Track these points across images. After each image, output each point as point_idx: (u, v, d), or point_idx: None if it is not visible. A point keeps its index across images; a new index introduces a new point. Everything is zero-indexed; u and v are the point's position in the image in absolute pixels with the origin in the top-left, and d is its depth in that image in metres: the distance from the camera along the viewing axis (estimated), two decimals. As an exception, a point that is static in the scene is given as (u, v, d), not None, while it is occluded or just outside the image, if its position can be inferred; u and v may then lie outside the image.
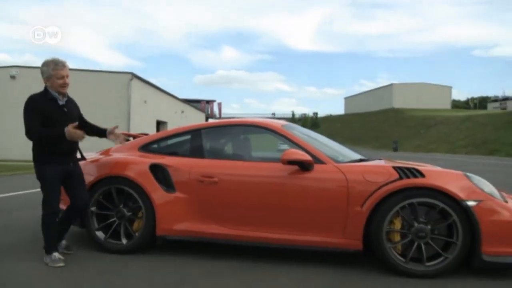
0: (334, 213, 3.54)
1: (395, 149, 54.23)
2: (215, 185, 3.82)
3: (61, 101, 3.68)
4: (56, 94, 3.65)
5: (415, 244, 3.39)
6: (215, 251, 4.02)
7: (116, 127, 4.09)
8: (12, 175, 12.96)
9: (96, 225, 4.07)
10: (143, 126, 25.24)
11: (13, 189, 9.28)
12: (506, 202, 3.49)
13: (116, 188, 4.01)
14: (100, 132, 4.02)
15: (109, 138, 3.99)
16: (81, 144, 4.52)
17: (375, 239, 3.43)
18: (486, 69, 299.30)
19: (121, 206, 4.01)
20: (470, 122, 58.29)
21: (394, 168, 3.54)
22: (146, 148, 4.34)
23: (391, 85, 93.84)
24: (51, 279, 3.28)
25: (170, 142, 4.44)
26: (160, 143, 4.40)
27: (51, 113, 3.57)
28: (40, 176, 3.64)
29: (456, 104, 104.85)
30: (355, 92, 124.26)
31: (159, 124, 31.18)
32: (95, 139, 4.11)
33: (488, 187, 3.52)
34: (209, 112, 75.54)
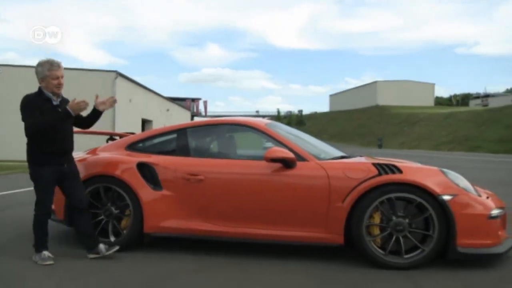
0: (316, 208, 3.67)
1: (380, 146, 54.83)
2: (201, 183, 3.92)
3: (55, 101, 3.71)
4: (50, 95, 3.68)
5: (394, 237, 3.54)
6: (201, 247, 4.12)
7: (97, 97, 3.94)
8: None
9: (84, 223, 4.13)
10: (128, 124, 25.13)
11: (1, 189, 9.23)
12: (480, 196, 3.66)
13: (104, 186, 4.08)
14: (93, 115, 3.93)
15: (100, 109, 3.88)
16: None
17: (355, 233, 3.57)
18: (468, 66, 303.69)
19: (109, 204, 4.08)
20: (452, 119, 59.21)
21: (374, 164, 3.68)
22: (133, 147, 4.41)
23: (375, 82, 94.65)
24: (41, 277, 3.34)
25: (156, 141, 4.52)
26: (147, 142, 4.48)
27: (45, 113, 3.59)
28: (34, 177, 3.68)
29: (440, 101, 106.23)
30: (340, 90, 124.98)
31: (145, 123, 31.08)
32: (82, 140, 4.16)
33: (463, 182, 3.68)
34: (195, 110, 75.34)
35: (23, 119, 3.61)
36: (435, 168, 3.78)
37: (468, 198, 3.53)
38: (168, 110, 38.15)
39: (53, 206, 4.33)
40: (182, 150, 4.25)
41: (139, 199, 3.95)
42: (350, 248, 3.70)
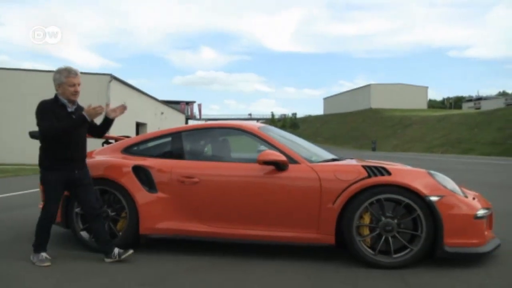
0: (308, 210, 3.77)
1: (374, 149, 55.12)
2: (195, 185, 4.01)
3: (70, 108, 3.77)
4: (65, 102, 3.74)
5: (383, 237, 3.64)
6: (196, 248, 4.21)
7: (108, 105, 4.07)
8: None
9: (80, 226, 4.21)
10: (123, 128, 25.12)
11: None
12: (466, 197, 3.78)
13: (100, 189, 4.16)
14: (105, 123, 4.01)
15: (111, 116, 3.97)
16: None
17: (346, 234, 3.67)
18: (461, 69, 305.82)
19: (105, 206, 4.16)
20: (445, 122, 59.64)
21: (363, 167, 3.78)
22: (128, 150, 4.50)
23: (369, 85, 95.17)
24: (39, 278, 3.40)
25: (152, 144, 4.61)
26: (142, 146, 4.57)
27: (59, 120, 3.64)
28: (43, 181, 3.75)
29: (433, 104, 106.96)
30: (334, 93, 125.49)
31: (139, 126, 31.06)
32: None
33: (450, 184, 3.80)
34: (189, 113, 75.34)
35: (38, 124, 3.67)
36: (423, 170, 3.89)
37: (455, 199, 3.65)
38: (162, 113, 38.16)
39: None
40: (177, 153, 4.34)
41: (135, 201, 4.03)
42: (341, 248, 3.80)
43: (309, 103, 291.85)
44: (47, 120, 3.62)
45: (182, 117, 52.50)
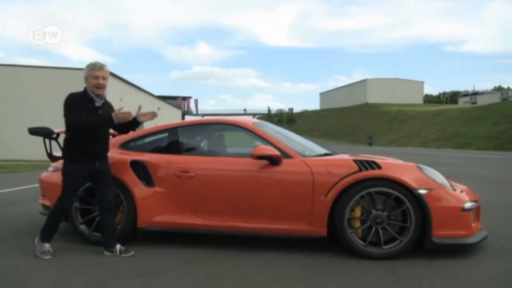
0: (301, 203, 3.88)
1: (370, 144, 55.22)
2: (191, 180, 4.12)
3: (98, 103, 3.84)
4: (93, 96, 3.82)
5: (374, 229, 3.76)
6: (193, 241, 4.32)
7: (140, 108, 4.12)
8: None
9: (79, 219, 4.31)
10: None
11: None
12: (454, 190, 3.90)
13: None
14: (133, 123, 4.05)
15: (141, 120, 4.03)
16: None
17: (338, 226, 3.79)
18: (457, 64, 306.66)
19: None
20: (441, 117, 59.82)
21: (355, 161, 3.89)
22: (126, 145, 4.59)
23: (365, 80, 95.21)
24: (38, 271, 3.49)
25: (149, 139, 4.70)
26: (140, 141, 4.66)
27: (86, 113, 3.73)
28: (63, 172, 3.84)
29: (429, 99, 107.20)
30: (330, 88, 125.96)
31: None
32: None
33: (439, 177, 3.92)
34: (186, 108, 75.23)
35: (65, 116, 3.73)
36: (413, 164, 4.01)
37: (443, 192, 3.76)
38: (159, 108, 38.11)
39: (49, 203, 4.52)
40: (174, 148, 4.45)
41: (133, 195, 4.13)
42: (333, 240, 3.92)
43: (305, 98, 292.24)
44: (75, 113, 3.69)
45: (178, 113, 52.49)
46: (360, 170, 3.79)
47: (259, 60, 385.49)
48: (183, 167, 4.17)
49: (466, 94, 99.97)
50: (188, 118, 58.87)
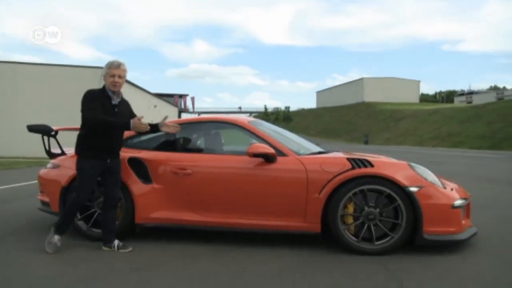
0: (295, 200, 3.97)
1: (366, 142, 55.44)
2: (188, 177, 4.20)
3: (114, 101, 3.92)
4: (111, 93, 3.90)
5: (366, 225, 3.86)
6: (189, 237, 4.40)
7: (166, 118, 4.18)
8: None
9: (78, 216, 4.37)
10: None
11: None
12: (445, 188, 4.00)
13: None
14: (154, 128, 4.06)
15: (162, 130, 4.09)
16: (62, 140, 4.83)
17: (331, 222, 3.88)
18: (453, 64, 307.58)
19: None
20: (437, 116, 60.09)
21: (348, 159, 3.99)
22: (124, 143, 4.64)
23: (361, 79, 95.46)
24: (38, 266, 3.57)
25: (146, 137, 4.76)
26: (137, 138, 4.72)
27: (103, 110, 3.80)
28: (78, 168, 3.90)
29: (425, 98, 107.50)
30: (327, 86, 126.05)
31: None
32: (75, 136, 4.36)
33: (430, 175, 4.02)
34: (183, 106, 75.18)
35: (82, 112, 3.79)
36: (404, 162, 4.11)
37: (433, 190, 3.86)
38: (155, 106, 38.16)
39: (47, 199, 4.60)
40: (171, 146, 4.52)
41: (131, 192, 4.21)
42: (326, 236, 4.01)
43: (302, 96, 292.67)
44: (93, 109, 3.76)
45: (175, 110, 52.47)
46: (353, 168, 3.89)
47: (256, 58, 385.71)
48: (180, 164, 4.25)
49: (462, 94, 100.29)
50: (184, 116, 58.84)
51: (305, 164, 4.01)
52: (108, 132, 3.84)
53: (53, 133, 4.60)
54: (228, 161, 4.28)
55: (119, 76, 3.88)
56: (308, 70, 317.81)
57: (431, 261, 3.65)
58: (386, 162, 4.11)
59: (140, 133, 4.22)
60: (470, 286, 3.14)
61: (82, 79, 24.70)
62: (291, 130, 5.49)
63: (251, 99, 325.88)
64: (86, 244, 4.15)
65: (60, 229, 3.92)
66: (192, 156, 4.39)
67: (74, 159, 4.46)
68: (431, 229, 3.78)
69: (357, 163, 3.93)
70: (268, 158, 4.04)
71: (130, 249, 3.97)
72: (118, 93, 3.96)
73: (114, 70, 3.86)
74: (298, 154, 4.21)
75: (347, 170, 3.88)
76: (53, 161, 4.76)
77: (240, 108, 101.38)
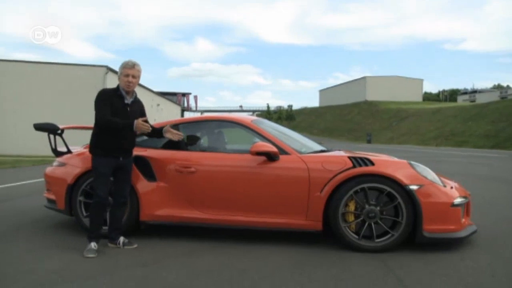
0: (297, 198, 4.04)
1: (369, 141, 55.40)
2: (192, 175, 4.27)
3: (127, 100, 3.97)
4: (124, 93, 3.95)
5: (367, 223, 3.92)
6: (194, 234, 4.48)
7: (170, 126, 4.21)
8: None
9: (84, 213, 4.46)
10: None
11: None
12: (445, 186, 4.05)
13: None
14: (158, 133, 4.15)
15: (165, 136, 4.14)
16: (68, 139, 4.91)
17: (332, 220, 3.95)
18: (456, 62, 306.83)
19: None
20: (440, 115, 59.96)
21: (349, 157, 4.05)
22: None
23: (364, 78, 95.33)
24: (43, 263, 3.64)
25: (151, 136, 4.84)
26: (142, 137, 4.79)
27: (115, 109, 3.86)
28: (94, 167, 3.94)
29: (428, 97, 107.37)
30: (329, 85, 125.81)
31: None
32: (80, 135, 4.45)
33: (430, 174, 4.07)
34: (186, 105, 75.29)
35: (95, 110, 3.85)
36: (405, 161, 4.16)
37: (433, 188, 3.91)
38: (158, 105, 38.29)
39: (53, 197, 4.67)
40: (175, 144, 4.59)
41: (136, 190, 4.28)
42: (327, 233, 4.07)
43: (304, 95, 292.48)
44: (102, 109, 3.81)
45: (178, 109, 52.59)
46: (354, 166, 3.95)
47: (259, 57, 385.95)
48: (184, 162, 4.32)
49: (465, 92, 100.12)
50: (187, 115, 58.91)
51: (307, 163, 4.07)
52: (117, 132, 3.89)
53: (59, 131, 4.67)
54: (231, 160, 4.34)
55: (133, 76, 3.92)
56: (311, 69, 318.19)
57: (431, 259, 3.71)
58: (387, 161, 4.17)
59: (143, 134, 4.28)
60: (469, 282, 3.19)
61: (84, 78, 24.86)
62: (294, 129, 5.55)
63: (253, 98, 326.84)
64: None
65: (91, 235, 3.91)
66: (196, 155, 4.46)
67: (80, 157, 4.57)
68: (431, 227, 3.83)
69: (358, 161, 3.99)
70: (271, 157, 4.10)
71: (135, 245, 4.04)
72: (132, 93, 4.01)
73: (128, 70, 3.91)
74: (300, 152, 4.27)
75: (348, 169, 3.94)
76: (59, 159, 4.83)
77: (241, 106, 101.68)
